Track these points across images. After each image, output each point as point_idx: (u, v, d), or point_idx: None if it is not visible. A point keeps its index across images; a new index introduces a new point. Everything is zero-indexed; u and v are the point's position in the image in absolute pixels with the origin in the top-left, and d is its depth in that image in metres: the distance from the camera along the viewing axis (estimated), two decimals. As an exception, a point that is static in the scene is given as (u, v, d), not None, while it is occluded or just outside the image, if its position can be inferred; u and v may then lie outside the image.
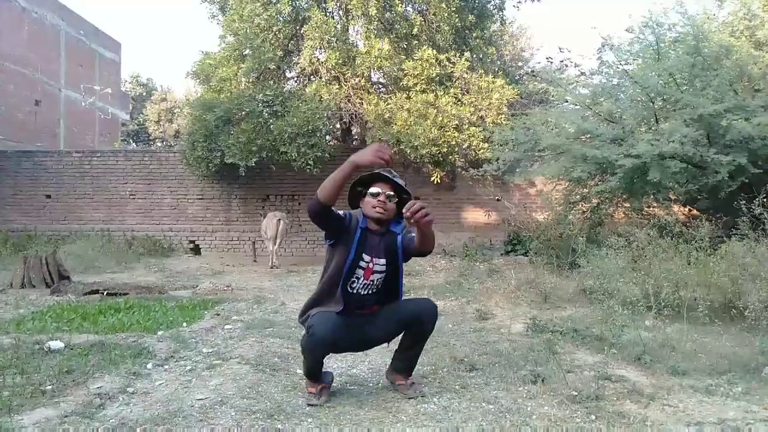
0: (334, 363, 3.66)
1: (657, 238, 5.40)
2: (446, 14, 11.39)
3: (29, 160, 13.37)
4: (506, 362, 3.60)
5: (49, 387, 2.99)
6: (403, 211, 2.65)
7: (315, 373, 2.93)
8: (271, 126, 10.63)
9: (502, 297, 6.01)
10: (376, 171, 2.90)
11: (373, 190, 2.87)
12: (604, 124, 7.77)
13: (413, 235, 2.88)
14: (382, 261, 2.92)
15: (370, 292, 2.94)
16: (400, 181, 2.91)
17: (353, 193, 3.00)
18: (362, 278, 2.90)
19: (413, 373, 3.14)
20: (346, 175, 2.67)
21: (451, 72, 11.25)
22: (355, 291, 2.90)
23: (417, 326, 2.97)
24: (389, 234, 2.94)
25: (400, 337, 3.07)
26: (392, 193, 2.89)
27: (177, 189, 13.14)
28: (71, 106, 20.10)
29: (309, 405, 2.83)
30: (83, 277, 8.04)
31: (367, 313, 2.98)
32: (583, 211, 8.61)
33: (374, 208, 2.85)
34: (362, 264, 2.88)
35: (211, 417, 2.63)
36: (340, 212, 2.85)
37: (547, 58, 10.84)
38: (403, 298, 3.08)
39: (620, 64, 8.04)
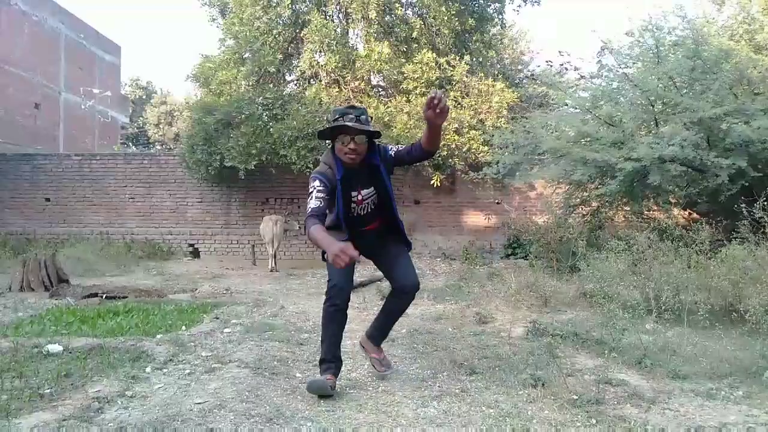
0: (333, 367, 3.65)
1: (657, 242, 5.40)
2: (446, 18, 11.41)
3: (28, 163, 13.35)
4: (506, 366, 3.59)
5: (48, 390, 2.98)
6: (427, 102, 2.80)
7: (332, 349, 3.13)
8: (271, 129, 10.63)
9: (502, 301, 5.99)
10: (342, 121, 3.05)
11: (342, 137, 3.08)
12: (604, 128, 7.77)
13: (408, 146, 3.20)
14: (369, 189, 3.23)
15: (368, 210, 3.28)
16: (365, 126, 3.09)
17: (325, 135, 3.24)
18: (357, 206, 3.25)
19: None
20: (323, 247, 2.85)
21: (451, 75, 11.26)
22: (356, 214, 3.26)
23: (398, 294, 3.33)
24: (370, 166, 3.18)
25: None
26: (359, 136, 3.08)
27: (176, 192, 13.13)
28: (71, 109, 20.10)
29: (312, 391, 2.98)
30: (82, 281, 8.02)
31: (372, 230, 3.33)
32: (584, 215, 8.61)
33: (346, 154, 3.09)
34: (353, 199, 3.22)
35: (210, 421, 2.62)
36: (322, 188, 3.05)
37: (546, 62, 10.86)
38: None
39: (620, 67, 8.05)
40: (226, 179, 12.05)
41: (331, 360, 3.13)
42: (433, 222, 12.18)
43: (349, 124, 3.03)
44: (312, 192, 3.04)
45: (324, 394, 2.99)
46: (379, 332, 3.46)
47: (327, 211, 3.10)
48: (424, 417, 2.75)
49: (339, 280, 3.11)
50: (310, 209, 2.99)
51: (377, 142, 3.26)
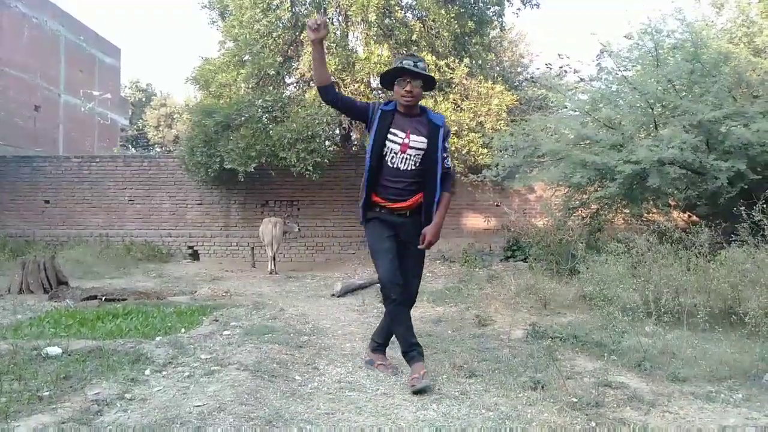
0: (332, 369, 3.65)
1: (656, 244, 5.40)
2: (445, 20, 11.41)
3: (28, 165, 13.36)
4: (506, 369, 3.59)
5: (47, 393, 2.97)
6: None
7: (408, 337, 3.27)
8: (271, 131, 10.63)
9: (501, 303, 5.99)
10: (401, 65, 3.26)
11: (400, 81, 3.26)
12: (603, 130, 7.77)
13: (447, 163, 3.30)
14: (422, 139, 3.25)
15: (409, 167, 3.25)
16: (422, 70, 3.26)
17: (386, 80, 3.39)
18: (399, 152, 3.23)
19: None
20: (317, 53, 3.19)
21: (451, 78, 11.27)
22: (394, 165, 3.24)
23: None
24: (426, 119, 3.31)
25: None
26: (416, 80, 3.25)
27: (176, 194, 13.14)
28: (70, 111, 20.11)
29: (416, 392, 3.07)
30: (81, 283, 8.03)
31: (406, 207, 3.29)
32: (583, 217, 8.61)
33: (402, 96, 3.26)
34: (394, 138, 3.23)
35: (209, 424, 2.61)
36: (363, 102, 3.42)
37: (546, 65, 10.89)
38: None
39: (619, 70, 8.06)
40: (225, 181, 12.06)
41: (409, 350, 3.28)
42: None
43: (407, 66, 3.22)
44: None
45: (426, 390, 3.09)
46: (378, 338, 3.61)
47: (347, 103, 3.38)
48: (424, 420, 2.75)
49: (387, 277, 3.21)
50: None
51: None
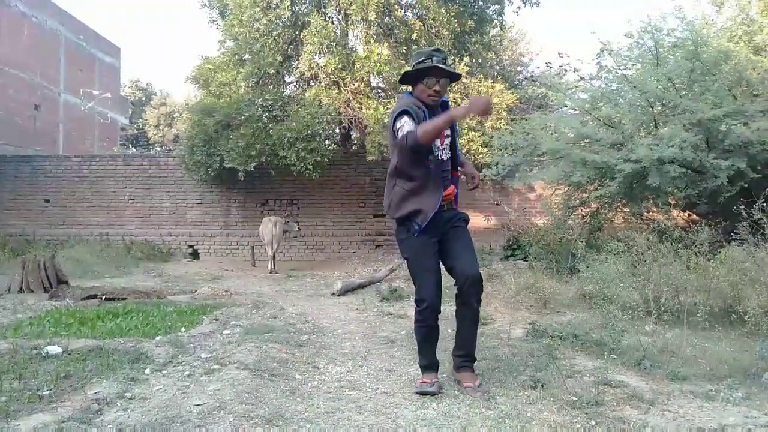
0: (332, 368, 3.65)
1: (656, 243, 5.39)
2: (445, 19, 11.40)
3: (28, 164, 13.37)
4: (506, 367, 3.60)
5: (47, 392, 2.97)
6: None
7: (429, 355, 3.20)
8: (271, 131, 10.63)
9: (501, 302, 5.99)
10: (433, 63, 3.09)
11: (428, 80, 3.12)
12: (603, 129, 7.77)
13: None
14: (447, 130, 3.18)
15: (445, 157, 3.21)
16: (453, 69, 3.21)
17: (410, 77, 3.23)
18: (440, 144, 3.17)
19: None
20: (446, 125, 3.02)
21: (451, 76, 11.25)
22: (438, 157, 3.15)
23: (459, 296, 3.25)
24: (443, 106, 3.25)
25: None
26: (444, 78, 3.15)
27: (176, 194, 13.14)
28: (70, 110, 20.10)
29: (422, 393, 3.04)
30: (81, 282, 8.02)
31: (448, 198, 3.21)
32: (583, 216, 8.61)
33: (429, 96, 3.14)
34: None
35: (209, 422, 2.62)
36: (411, 121, 3.03)
37: (546, 63, 10.87)
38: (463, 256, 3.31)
39: (619, 69, 8.06)
40: (225, 181, 12.06)
41: (429, 366, 3.23)
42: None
43: (440, 65, 3.10)
44: (402, 125, 3.00)
45: (430, 392, 3.07)
46: (459, 351, 3.31)
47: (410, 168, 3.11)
48: (424, 419, 2.75)
49: (431, 298, 3.13)
50: (406, 131, 2.96)
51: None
